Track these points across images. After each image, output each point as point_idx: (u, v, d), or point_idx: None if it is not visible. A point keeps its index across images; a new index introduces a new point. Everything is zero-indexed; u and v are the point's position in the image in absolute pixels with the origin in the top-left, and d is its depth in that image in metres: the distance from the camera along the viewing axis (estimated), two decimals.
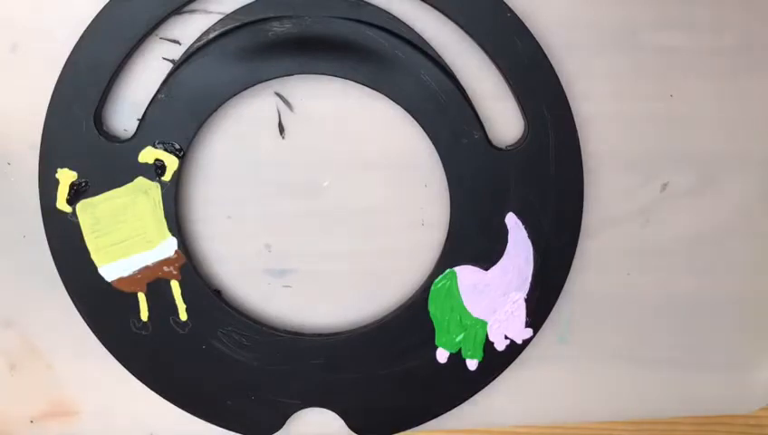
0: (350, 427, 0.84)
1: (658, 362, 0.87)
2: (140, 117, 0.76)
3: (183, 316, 0.79)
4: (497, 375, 0.83)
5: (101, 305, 0.79)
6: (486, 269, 0.80)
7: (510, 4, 0.75)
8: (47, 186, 0.76)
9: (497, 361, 0.83)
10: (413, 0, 0.76)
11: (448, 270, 0.80)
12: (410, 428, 0.84)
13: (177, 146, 0.76)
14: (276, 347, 0.81)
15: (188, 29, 0.77)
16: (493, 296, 0.81)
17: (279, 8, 0.75)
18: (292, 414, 0.83)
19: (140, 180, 0.76)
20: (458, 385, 0.83)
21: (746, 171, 0.83)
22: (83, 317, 0.80)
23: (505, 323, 0.81)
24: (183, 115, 0.76)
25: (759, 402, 0.91)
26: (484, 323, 0.81)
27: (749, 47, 0.80)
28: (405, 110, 0.77)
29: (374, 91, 0.77)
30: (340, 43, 0.75)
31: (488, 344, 0.82)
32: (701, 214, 0.84)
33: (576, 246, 0.81)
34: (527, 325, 0.82)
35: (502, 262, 0.80)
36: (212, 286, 0.81)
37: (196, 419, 0.83)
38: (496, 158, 0.78)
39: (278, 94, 0.78)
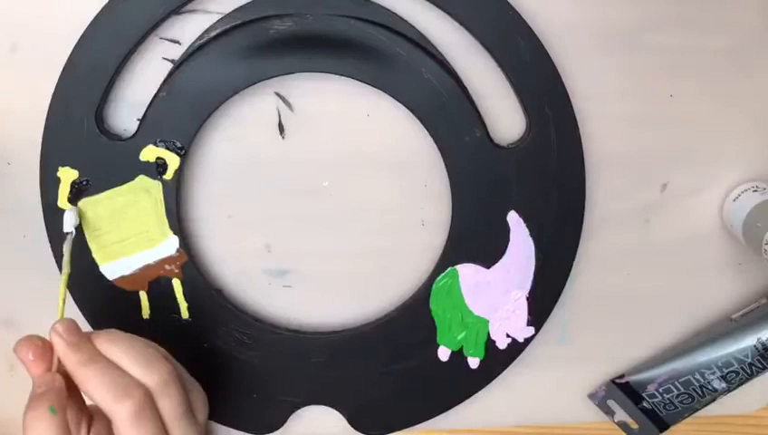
0: (352, 424, 0.84)
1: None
2: (141, 116, 0.76)
3: (185, 314, 0.80)
4: (499, 373, 0.83)
5: (103, 304, 0.79)
6: (488, 267, 0.80)
7: (512, 3, 0.76)
8: (48, 185, 0.77)
9: (499, 359, 0.83)
10: None
11: (450, 268, 0.81)
12: (411, 425, 0.85)
13: (179, 144, 0.76)
14: (278, 345, 0.81)
15: (188, 29, 0.77)
16: (494, 294, 0.81)
17: (280, 6, 0.75)
18: (293, 412, 0.84)
19: (142, 179, 0.77)
20: (460, 383, 0.83)
21: (746, 171, 0.83)
22: (85, 316, 0.80)
23: (507, 322, 0.81)
24: (184, 113, 0.76)
25: (759, 402, 0.91)
26: (485, 322, 0.81)
27: (749, 47, 0.80)
28: (406, 108, 0.77)
29: (374, 91, 0.77)
30: (342, 41, 0.75)
31: (490, 342, 0.82)
32: (701, 214, 0.84)
33: (578, 243, 0.81)
34: (529, 323, 0.82)
35: (503, 260, 0.80)
36: (213, 285, 0.81)
37: None
38: (498, 156, 0.78)
39: (278, 94, 0.78)
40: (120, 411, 0.63)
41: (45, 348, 0.66)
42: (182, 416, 0.68)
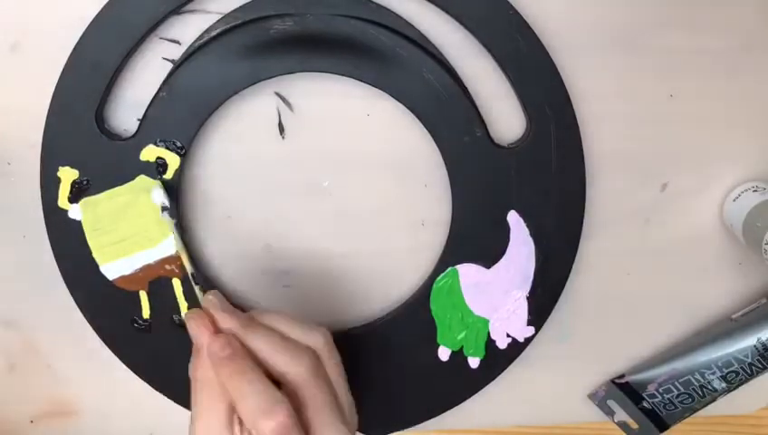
0: None
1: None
2: (142, 116, 0.76)
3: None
4: (499, 373, 0.83)
5: (103, 304, 0.79)
6: (488, 267, 0.80)
7: (512, 3, 0.76)
8: (48, 184, 0.77)
9: (499, 359, 0.83)
10: None
11: (450, 268, 0.81)
12: (411, 425, 0.85)
13: (179, 144, 0.76)
14: None
15: (188, 29, 0.77)
16: (494, 294, 0.81)
17: (280, 6, 0.75)
18: None
19: (142, 178, 0.76)
20: (460, 383, 0.83)
21: (746, 171, 0.83)
22: (85, 316, 0.80)
23: (507, 321, 0.81)
24: (185, 113, 0.76)
25: (759, 402, 0.91)
26: (485, 321, 0.81)
27: (749, 47, 0.80)
28: (406, 108, 0.77)
29: (374, 91, 0.77)
30: (342, 41, 0.75)
31: (490, 342, 0.82)
32: (701, 214, 0.84)
33: (578, 243, 0.81)
34: (529, 323, 0.82)
35: (503, 260, 0.80)
36: (213, 285, 0.81)
37: None
38: (498, 155, 0.78)
39: (278, 94, 0.78)
40: (299, 372, 0.64)
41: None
42: (343, 377, 0.69)
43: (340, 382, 0.68)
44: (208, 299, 0.67)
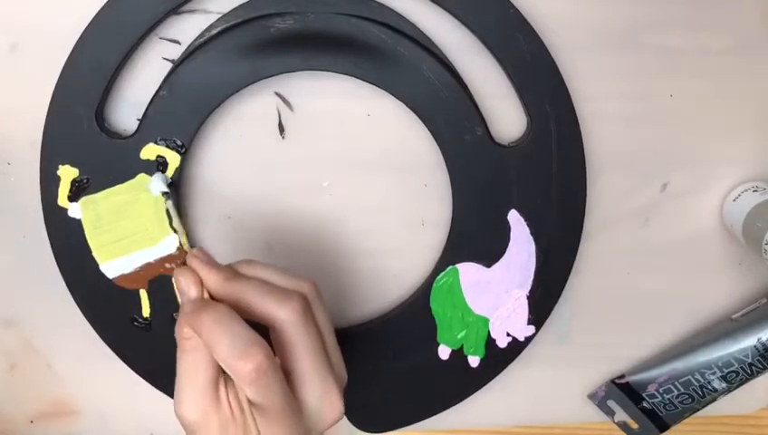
0: (352, 421, 0.84)
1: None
2: (142, 114, 0.76)
3: None
4: (499, 372, 0.83)
5: (103, 303, 0.79)
6: (488, 266, 0.80)
7: (513, 2, 0.76)
8: (48, 183, 0.76)
9: (499, 358, 0.83)
10: None
11: (450, 267, 0.81)
12: (411, 423, 0.85)
13: (179, 142, 0.76)
14: None
15: (188, 29, 0.77)
16: (495, 293, 0.81)
17: (281, 5, 0.75)
18: None
19: (142, 177, 0.76)
20: (460, 382, 0.83)
21: (746, 171, 0.83)
22: (85, 315, 0.80)
23: (507, 321, 0.81)
24: (185, 112, 0.76)
25: (759, 402, 0.91)
26: (485, 320, 0.81)
27: (749, 47, 0.81)
28: (407, 106, 0.77)
29: (375, 90, 0.77)
30: (343, 39, 0.75)
31: (490, 341, 0.82)
32: (701, 214, 0.84)
33: (579, 242, 0.81)
34: (529, 322, 0.82)
35: (504, 259, 0.80)
36: None
37: None
38: (498, 154, 0.78)
39: (278, 94, 0.78)
40: (287, 314, 0.61)
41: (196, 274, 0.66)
42: (331, 326, 0.67)
43: (328, 330, 0.66)
44: (193, 254, 0.67)
